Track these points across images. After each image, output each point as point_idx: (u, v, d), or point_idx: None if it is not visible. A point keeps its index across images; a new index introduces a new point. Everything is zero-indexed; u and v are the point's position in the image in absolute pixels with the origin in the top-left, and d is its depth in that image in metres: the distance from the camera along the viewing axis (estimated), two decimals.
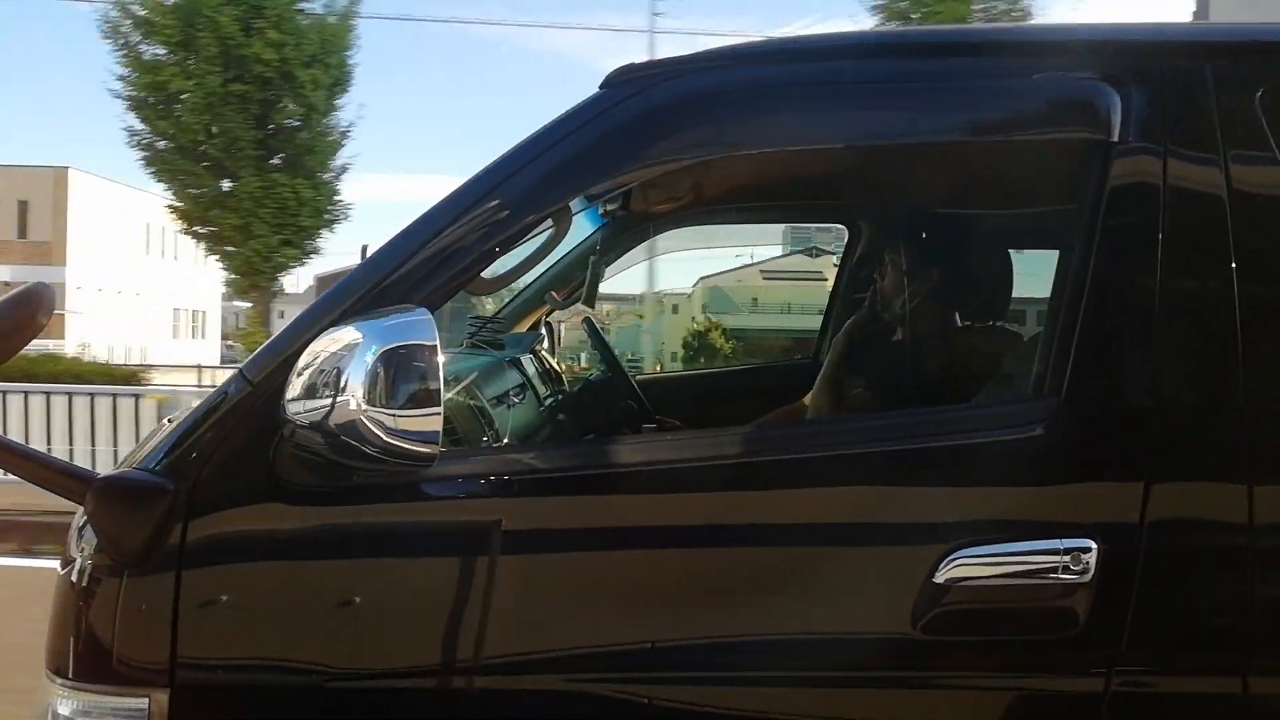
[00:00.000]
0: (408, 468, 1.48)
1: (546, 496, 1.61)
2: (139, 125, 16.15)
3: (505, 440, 2.25)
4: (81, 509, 1.61)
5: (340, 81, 16.83)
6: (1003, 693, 1.58)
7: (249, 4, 15.42)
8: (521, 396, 2.66)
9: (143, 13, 15.61)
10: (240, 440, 1.56)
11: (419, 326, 1.47)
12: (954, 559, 1.52)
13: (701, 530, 1.59)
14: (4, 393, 9.40)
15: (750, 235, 4.43)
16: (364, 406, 1.43)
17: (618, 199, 2.61)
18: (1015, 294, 2.48)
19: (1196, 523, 1.59)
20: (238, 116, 15.64)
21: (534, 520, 1.60)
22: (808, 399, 2.81)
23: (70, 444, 9.22)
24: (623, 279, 3.49)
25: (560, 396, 2.99)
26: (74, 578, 1.61)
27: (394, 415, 1.44)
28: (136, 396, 9.72)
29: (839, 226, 3.67)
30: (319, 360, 1.47)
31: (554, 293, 3.18)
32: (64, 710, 1.58)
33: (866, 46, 1.84)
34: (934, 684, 1.58)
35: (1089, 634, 1.53)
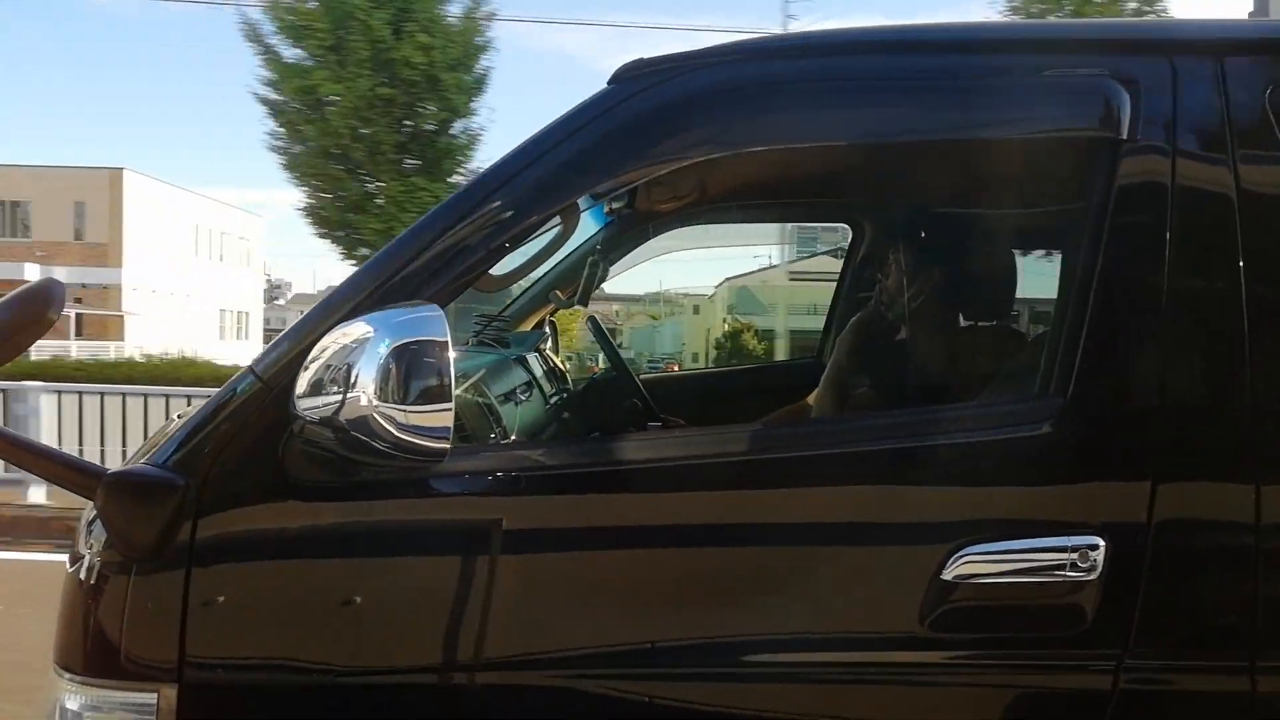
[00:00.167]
0: (419, 463, 1.49)
1: (559, 492, 1.61)
2: (279, 128, 15.75)
3: (513, 438, 2.25)
4: (91, 504, 1.61)
5: (479, 84, 16.54)
6: (1010, 690, 1.58)
7: (397, 7, 15.20)
8: (528, 394, 2.67)
9: (289, 18, 15.30)
10: (250, 436, 1.56)
11: (431, 322, 1.47)
12: (962, 556, 1.52)
13: (722, 528, 1.59)
14: (145, 396, 8.60)
15: (755, 234, 4.42)
16: (375, 402, 1.43)
17: (623, 197, 2.61)
18: (1020, 294, 2.48)
19: (1204, 521, 1.59)
20: (382, 120, 15.34)
21: (546, 516, 1.60)
22: (811, 398, 2.82)
23: None
24: (626, 279, 3.49)
25: (566, 395, 3.00)
26: (83, 573, 1.61)
27: (405, 410, 1.44)
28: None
29: (843, 226, 3.67)
30: (329, 355, 1.47)
31: (558, 291, 3.18)
32: (72, 705, 1.58)
33: (874, 42, 1.84)
34: (941, 681, 1.58)
35: (1096, 631, 1.53)
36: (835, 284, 3.67)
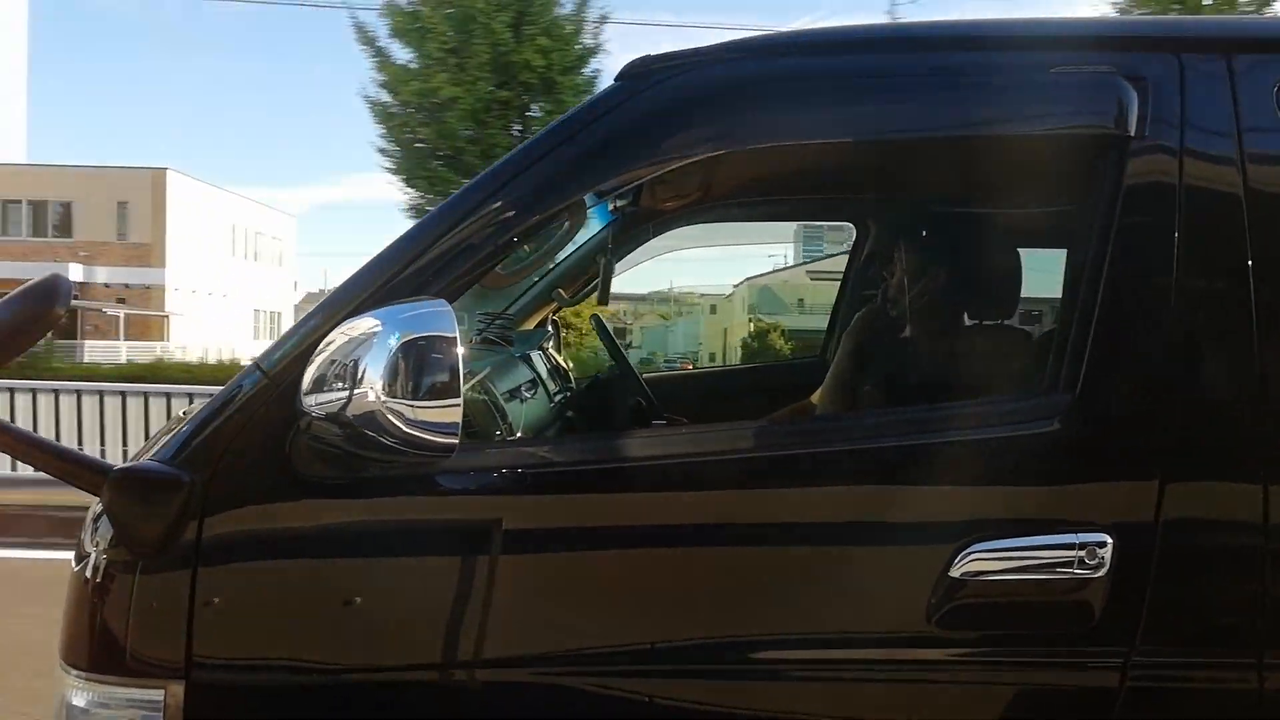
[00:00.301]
0: (426, 459, 1.48)
1: (567, 489, 1.61)
2: (392, 130, 15.51)
3: (519, 435, 2.25)
4: (97, 500, 1.61)
5: (590, 86, 16.40)
6: (1016, 686, 1.58)
7: (517, 9, 15.06)
8: (533, 392, 2.67)
9: (407, 21, 15.12)
10: (257, 432, 1.56)
11: (439, 317, 1.46)
12: (969, 553, 1.52)
13: (730, 525, 1.59)
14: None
15: (760, 232, 4.40)
16: (383, 397, 1.43)
17: (628, 195, 2.61)
18: (1025, 292, 2.47)
19: (1211, 518, 1.59)
20: (497, 123, 15.13)
21: (555, 512, 1.60)
22: (816, 396, 2.81)
23: None
24: (633, 277, 3.48)
25: (570, 393, 2.99)
26: (89, 570, 1.61)
27: (413, 406, 1.44)
28: None
29: (848, 225, 3.66)
30: (336, 350, 1.47)
31: (561, 290, 3.18)
32: (79, 702, 1.58)
33: (880, 40, 1.83)
34: (949, 678, 1.58)
35: (1104, 628, 1.53)
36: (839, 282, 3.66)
